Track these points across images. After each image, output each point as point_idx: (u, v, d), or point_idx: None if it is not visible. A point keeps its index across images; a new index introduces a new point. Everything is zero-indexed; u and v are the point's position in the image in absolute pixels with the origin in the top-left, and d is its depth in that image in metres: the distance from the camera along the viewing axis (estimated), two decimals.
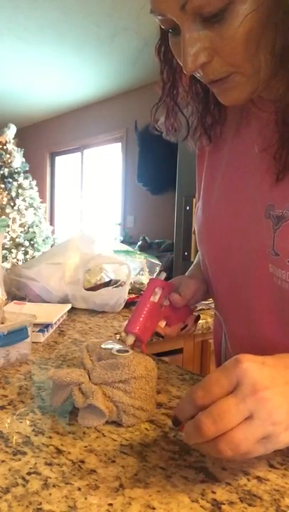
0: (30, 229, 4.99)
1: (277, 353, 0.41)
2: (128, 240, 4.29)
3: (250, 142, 0.55)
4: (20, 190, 4.98)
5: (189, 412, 0.37)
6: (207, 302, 1.15)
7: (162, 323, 0.61)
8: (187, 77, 0.54)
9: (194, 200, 0.79)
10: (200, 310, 1.16)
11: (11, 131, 4.97)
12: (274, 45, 0.42)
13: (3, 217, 4.76)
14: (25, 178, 5.11)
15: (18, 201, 4.95)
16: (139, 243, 3.93)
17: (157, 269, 1.40)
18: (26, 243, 4.91)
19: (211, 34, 0.42)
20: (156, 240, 3.93)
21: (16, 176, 4.98)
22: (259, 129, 0.53)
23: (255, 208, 0.52)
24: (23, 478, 0.39)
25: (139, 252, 1.46)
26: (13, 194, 4.93)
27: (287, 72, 0.44)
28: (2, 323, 0.72)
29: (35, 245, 4.95)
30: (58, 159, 6.22)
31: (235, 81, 0.45)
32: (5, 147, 4.96)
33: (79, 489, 0.37)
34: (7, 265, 3.85)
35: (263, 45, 0.42)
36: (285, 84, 0.45)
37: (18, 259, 4.77)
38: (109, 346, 0.54)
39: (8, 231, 4.80)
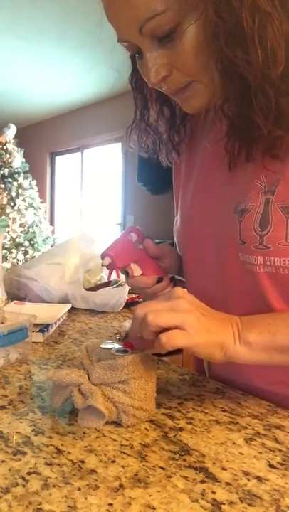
0: (30, 229, 4.99)
1: None
2: None
3: (213, 145, 0.61)
4: (20, 190, 4.98)
5: (135, 326, 0.49)
6: None
7: (137, 270, 0.65)
8: (157, 102, 0.63)
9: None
10: None
11: (11, 131, 4.97)
12: (222, 55, 0.47)
13: (3, 217, 4.76)
14: (25, 178, 5.11)
15: (18, 201, 4.95)
16: None
17: None
18: (26, 243, 4.91)
19: (167, 51, 0.50)
20: (157, 240, 3.89)
21: (16, 175, 4.98)
22: (217, 132, 0.60)
23: (225, 205, 0.58)
24: (23, 478, 0.39)
25: None
26: (13, 194, 4.93)
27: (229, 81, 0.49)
28: (2, 323, 0.72)
29: (35, 245, 4.95)
30: (58, 159, 6.22)
31: (195, 89, 0.52)
32: (5, 147, 4.96)
33: (79, 489, 0.37)
34: (7, 265, 3.85)
35: (212, 56, 0.48)
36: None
37: (18, 259, 4.77)
38: (109, 346, 0.54)
39: (8, 231, 4.80)
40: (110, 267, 0.62)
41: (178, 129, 0.66)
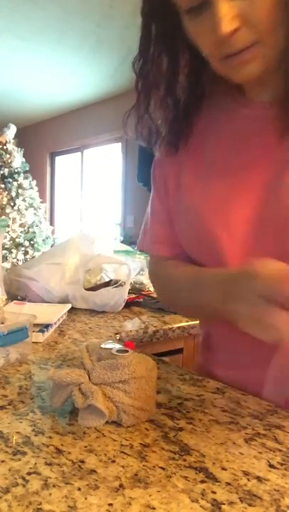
0: (30, 229, 4.99)
1: None
2: (128, 240, 4.29)
3: (240, 133, 0.60)
4: (20, 190, 4.98)
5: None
6: None
7: None
8: (160, 90, 0.59)
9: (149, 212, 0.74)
10: None
11: (11, 131, 4.97)
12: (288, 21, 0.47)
13: (3, 217, 4.76)
14: (25, 178, 5.11)
15: (18, 201, 4.95)
16: None
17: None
18: (26, 243, 4.91)
19: (241, 2, 0.47)
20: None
21: (16, 175, 4.98)
22: (248, 122, 0.60)
23: (267, 183, 0.56)
24: (23, 478, 0.39)
25: (139, 252, 1.46)
26: (13, 194, 4.93)
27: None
28: (2, 323, 0.72)
29: (35, 245, 4.95)
30: (58, 159, 6.22)
31: (257, 52, 0.50)
32: (5, 147, 4.96)
33: (79, 489, 0.37)
34: (7, 265, 3.85)
35: (284, 21, 0.48)
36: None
37: (18, 259, 4.77)
38: (109, 346, 0.54)
39: (8, 231, 4.80)
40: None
41: (180, 120, 0.62)
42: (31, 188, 5.15)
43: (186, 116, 0.62)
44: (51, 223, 5.92)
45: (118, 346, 0.54)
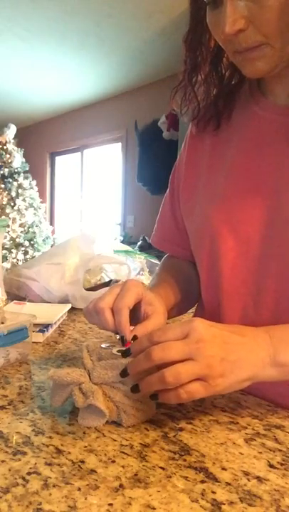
0: (30, 229, 4.99)
1: None
2: (128, 240, 4.29)
3: (260, 142, 0.61)
4: (20, 190, 4.98)
5: (143, 344, 0.46)
6: None
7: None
8: (206, 65, 0.63)
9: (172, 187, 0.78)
10: None
11: (11, 131, 4.97)
12: None
13: (3, 217, 4.76)
14: (25, 178, 5.11)
15: (18, 201, 4.95)
16: (139, 243, 3.94)
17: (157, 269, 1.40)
18: (26, 243, 4.91)
19: (250, 4, 0.48)
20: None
21: (16, 175, 4.98)
22: (263, 125, 0.62)
23: (279, 183, 0.57)
24: (23, 478, 0.39)
25: (139, 252, 1.46)
26: (13, 194, 4.93)
27: None
28: (2, 323, 0.72)
29: (35, 245, 4.95)
30: (58, 159, 6.22)
31: (264, 52, 0.51)
32: (5, 147, 4.96)
33: (79, 489, 0.37)
34: (7, 265, 3.85)
35: None
36: None
37: (18, 259, 4.77)
38: (110, 346, 0.54)
39: (8, 231, 4.80)
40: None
41: (225, 97, 0.65)
42: (31, 188, 5.15)
43: (228, 93, 0.65)
44: (51, 223, 5.92)
45: (118, 346, 0.54)
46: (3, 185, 4.90)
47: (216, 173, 0.66)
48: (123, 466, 0.41)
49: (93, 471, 0.40)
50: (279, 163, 0.58)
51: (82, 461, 0.42)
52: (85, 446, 0.44)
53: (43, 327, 0.85)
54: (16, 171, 4.99)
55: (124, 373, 0.47)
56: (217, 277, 0.64)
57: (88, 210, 5.68)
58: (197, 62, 0.62)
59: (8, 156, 4.96)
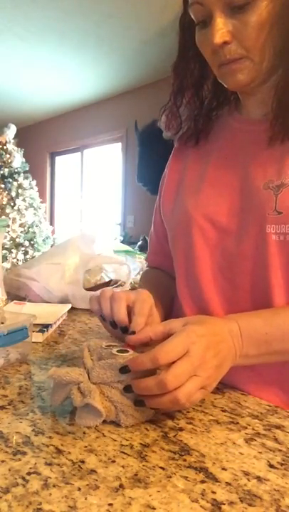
0: (30, 229, 4.98)
1: None
2: (128, 240, 4.29)
3: (234, 148, 0.69)
4: (20, 190, 4.98)
5: (147, 365, 0.47)
6: None
7: None
8: (190, 90, 0.72)
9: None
10: None
11: (11, 131, 4.97)
12: (276, 43, 0.57)
13: (3, 217, 4.76)
14: (25, 178, 5.11)
15: (18, 201, 4.95)
16: (139, 243, 3.94)
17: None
18: (26, 243, 4.91)
19: (235, 21, 0.57)
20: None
21: (16, 175, 4.98)
22: (241, 135, 0.70)
23: (249, 186, 0.64)
24: (23, 478, 0.39)
25: (139, 252, 1.46)
26: (13, 194, 4.93)
27: (285, 66, 0.58)
28: (2, 323, 0.72)
29: (35, 245, 4.95)
30: (58, 159, 6.22)
31: (244, 65, 0.59)
32: (5, 147, 4.96)
33: (79, 489, 0.37)
34: (7, 265, 3.85)
35: (269, 39, 0.57)
36: (282, 78, 0.59)
37: (18, 259, 4.77)
38: (110, 346, 0.54)
39: (8, 231, 4.80)
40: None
41: (204, 118, 0.75)
42: (31, 188, 5.15)
43: (207, 115, 0.75)
44: (51, 223, 5.92)
45: (119, 346, 0.54)
46: (3, 185, 4.90)
47: (196, 176, 0.73)
48: (123, 466, 0.41)
49: (93, 471, 0.40)
50: (246, 155, 0.66)
51: (82, 461, 0.42)
52: (85, 446, 0.44)
53: (43, 327, 0.85)
54: (16, 171, 4.99)
55: (124, 370, 0.49)
56: (193, 266, 0.70)
57: (88, 210, 5.68)
58: (182, 87, 0.71)
59: (8, 156, 4.96)
